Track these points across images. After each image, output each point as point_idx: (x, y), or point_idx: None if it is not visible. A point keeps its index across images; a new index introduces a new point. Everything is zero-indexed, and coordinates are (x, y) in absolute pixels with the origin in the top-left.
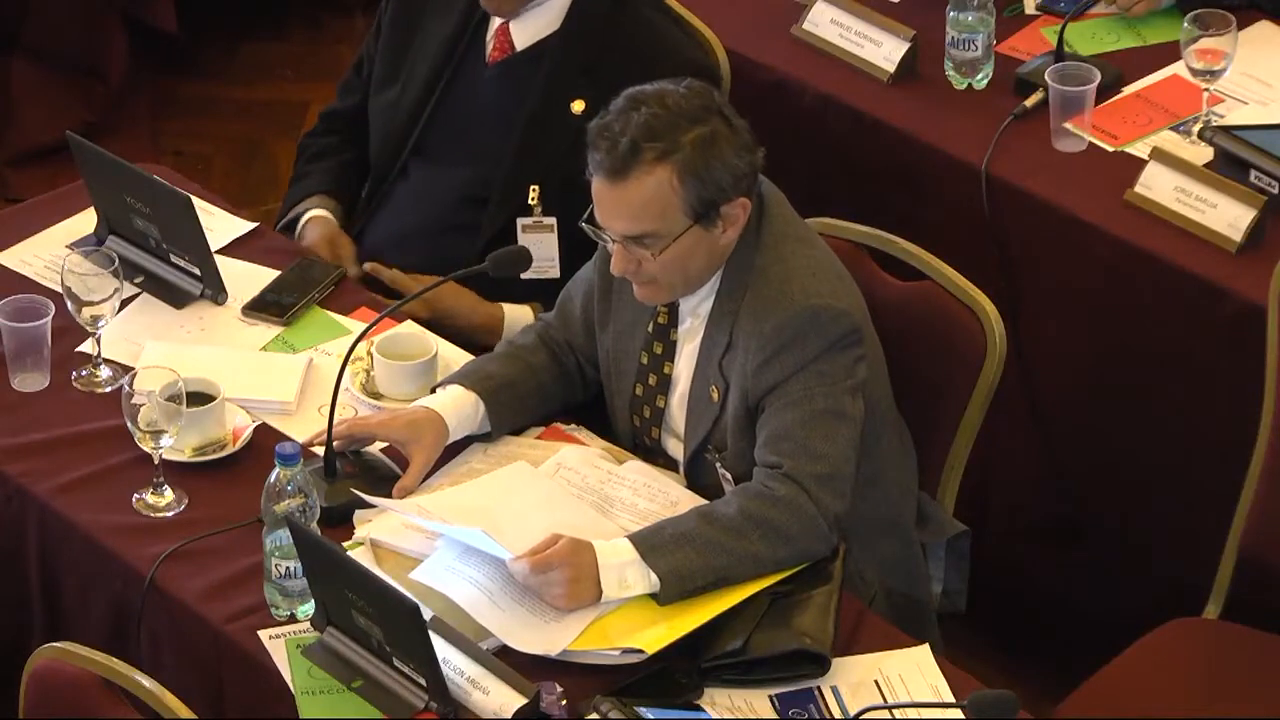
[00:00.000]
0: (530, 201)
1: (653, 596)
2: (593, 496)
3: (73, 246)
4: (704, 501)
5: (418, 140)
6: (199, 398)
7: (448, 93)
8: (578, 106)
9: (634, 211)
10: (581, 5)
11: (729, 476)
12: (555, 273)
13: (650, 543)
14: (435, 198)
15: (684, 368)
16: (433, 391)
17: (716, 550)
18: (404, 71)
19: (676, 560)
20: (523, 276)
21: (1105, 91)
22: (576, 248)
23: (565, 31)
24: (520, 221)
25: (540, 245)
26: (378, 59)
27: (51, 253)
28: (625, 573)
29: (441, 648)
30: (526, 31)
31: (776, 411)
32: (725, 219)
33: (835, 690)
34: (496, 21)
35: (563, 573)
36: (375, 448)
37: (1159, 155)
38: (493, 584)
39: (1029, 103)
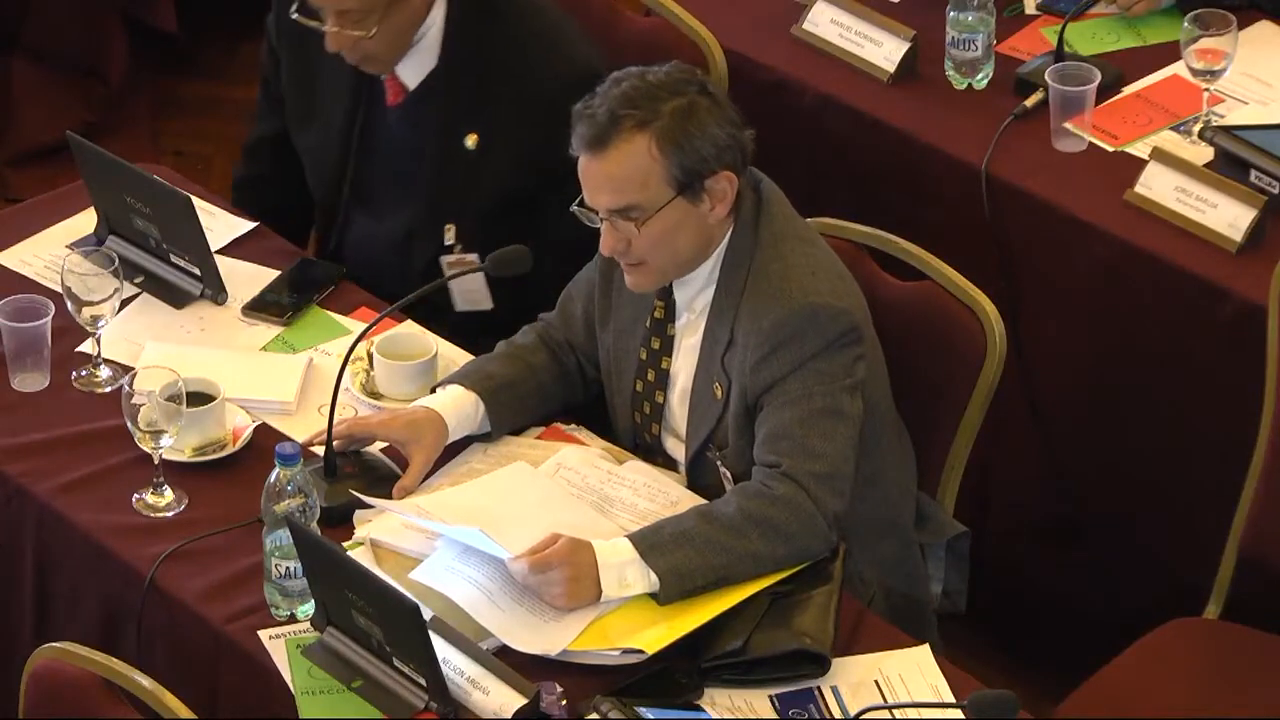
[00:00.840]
0: (448, 241)
1: (652, 596)
2: (593, 496)
3: (73, 246)
4: (704, 501)
5: (353, 188)
6: (199, 398)
7: (365, 139)
8: (470, 141)
9: (616, 183)
10: (454, 36)
11: (729, 475)
12: (487, 305)
13: (650, 542)
14: (388, 242)
15: (683, 364)
16: (432, 391)
17: (716, 549)
18: (319, 111)
19: (676, 559)
20: (456, 309)
21: (1105, 91)
22: (500, 280)
23: (445, 66)
24: (443, 260)
25: (465, 281)
26: (287, 93)
27: (51, 253)
28: (625, 572)
29: (441, 648)
30: (411, 73)
31: (775, 410)
32: (711, 194)
33: (835, 690)
34: None
35: (562, 572)
36: (375, 448)
37: (1159, 155)
38: (492, 584)
39: (1029, 103)
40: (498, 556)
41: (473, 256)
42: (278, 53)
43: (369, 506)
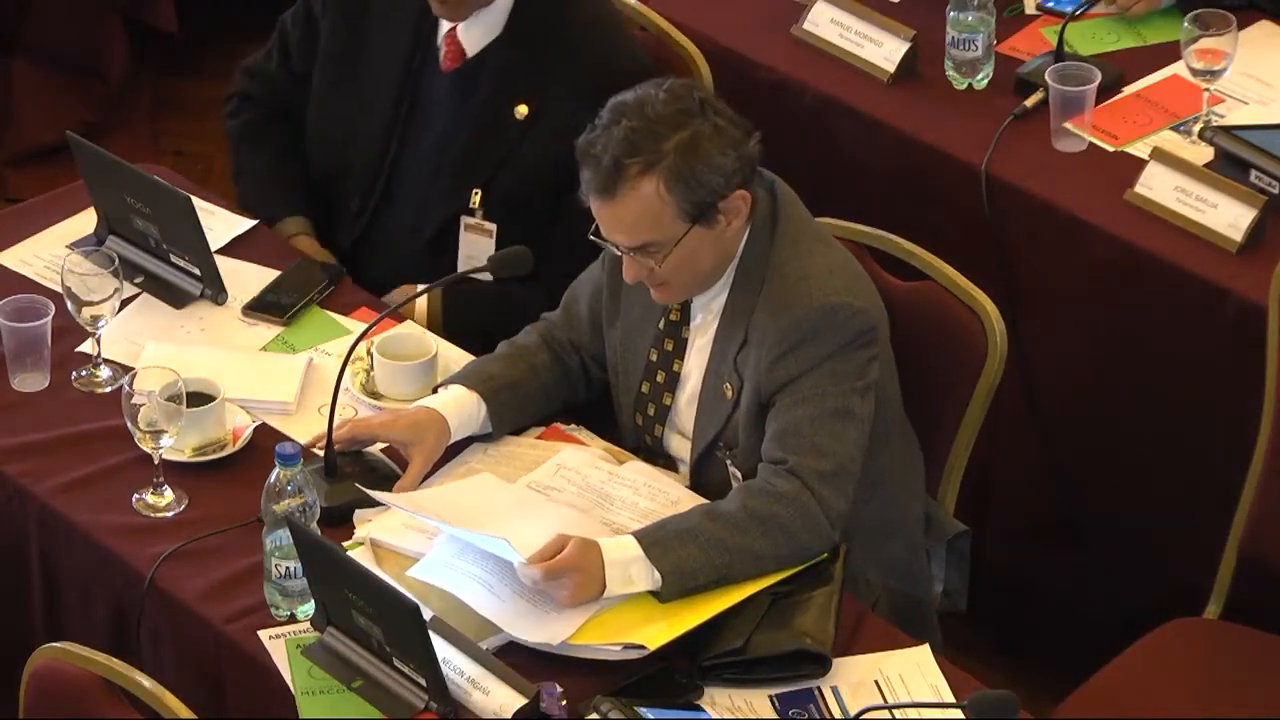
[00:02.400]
0: (472, 205)
1: (655, 594)
2: (593, 495)
3: (73, 246)
4: (706, 500)
5: (394, 159)
6: (199, 398)
7: (413, 106)
8: (521, 111)
9: (629, 225)
10: (523, 8)
11: (739, 475)
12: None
13: (654, 538)
14: (408, 208)
15: (694, 365)
16: (434, 392)
17: (719, 547)
18: (358, 82)
19: (679, 557)
20: (460, 270)
21: (1105, 91)
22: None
23: (508, 35)
24: (463, 219)
25: (476, 248)
26: (320, 70)
27: (51, 252)
28: (630, 569)
29: (441, 648)
30: (474, 37)
31: (786, 408)
32: (726, 213)
33: (835, 690)
34: (443, 30)
35: (573, 577)
36: (376, 448)
37: (1159, 155)
38: (491, 577)
39: (1029, 103)
40: (505, 558)
41: (491, 225)
42: (318, 23)
43: (370, 505)
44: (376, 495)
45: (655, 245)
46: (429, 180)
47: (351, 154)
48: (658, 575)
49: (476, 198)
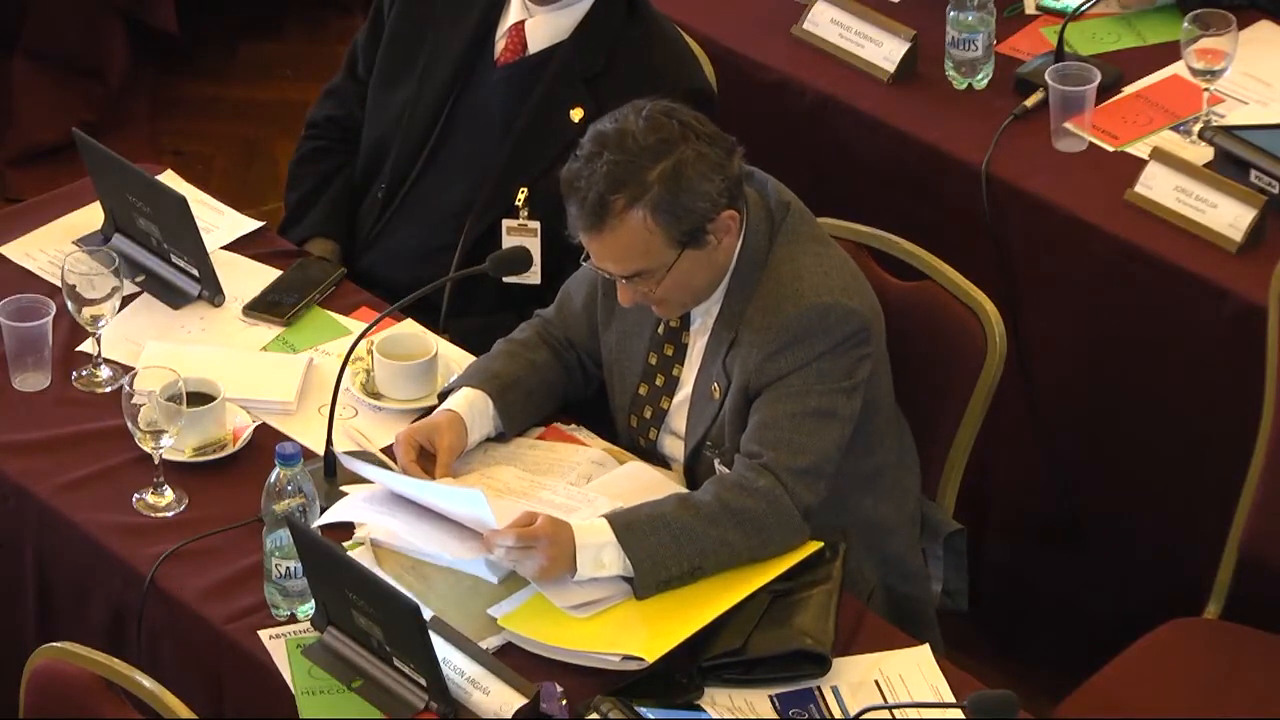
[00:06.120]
0: (517, 203)
1: (629, 582)
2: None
3: (79, 243)
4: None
5: (433, 147)
6: (199, 398)
7: (460, 98)
8: (576, 114)
9: (619, 257)
10: (597, 15)
11: (726, 473)
12: (536, 279)
13: (625, 521)
14: (448, 207)
15: (690, 368)
16: (439, 398)
17: (690, 535)
18: (415, 74)
19: (651, 544)
20: (505, 280)
21: (1105, 91)
22: (556, 256)
23: (577, 39)
24: (505, 223)
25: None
26: (379, 58)
27: (56, 247)
28: (601, 554)
29: (441, 648)
30: (542, 34)
31: (769, 402)
32: (716, 233)
33: (835, 690)
34: (506, 23)
35: (543, 550)
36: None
37: (1159, 155)
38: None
39: (1029, 103)
40: (484, 523)
41: (534, 224)
42: (384, 21)
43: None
44: (348, 462)
45: (647, 272)
46: (468, 173)
47: (392, 142)
48: (629, 562)
49: (522, 196)
